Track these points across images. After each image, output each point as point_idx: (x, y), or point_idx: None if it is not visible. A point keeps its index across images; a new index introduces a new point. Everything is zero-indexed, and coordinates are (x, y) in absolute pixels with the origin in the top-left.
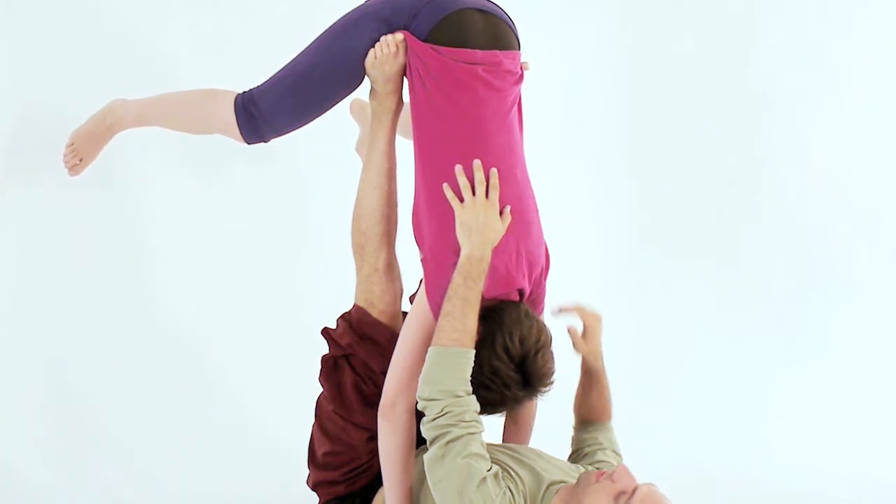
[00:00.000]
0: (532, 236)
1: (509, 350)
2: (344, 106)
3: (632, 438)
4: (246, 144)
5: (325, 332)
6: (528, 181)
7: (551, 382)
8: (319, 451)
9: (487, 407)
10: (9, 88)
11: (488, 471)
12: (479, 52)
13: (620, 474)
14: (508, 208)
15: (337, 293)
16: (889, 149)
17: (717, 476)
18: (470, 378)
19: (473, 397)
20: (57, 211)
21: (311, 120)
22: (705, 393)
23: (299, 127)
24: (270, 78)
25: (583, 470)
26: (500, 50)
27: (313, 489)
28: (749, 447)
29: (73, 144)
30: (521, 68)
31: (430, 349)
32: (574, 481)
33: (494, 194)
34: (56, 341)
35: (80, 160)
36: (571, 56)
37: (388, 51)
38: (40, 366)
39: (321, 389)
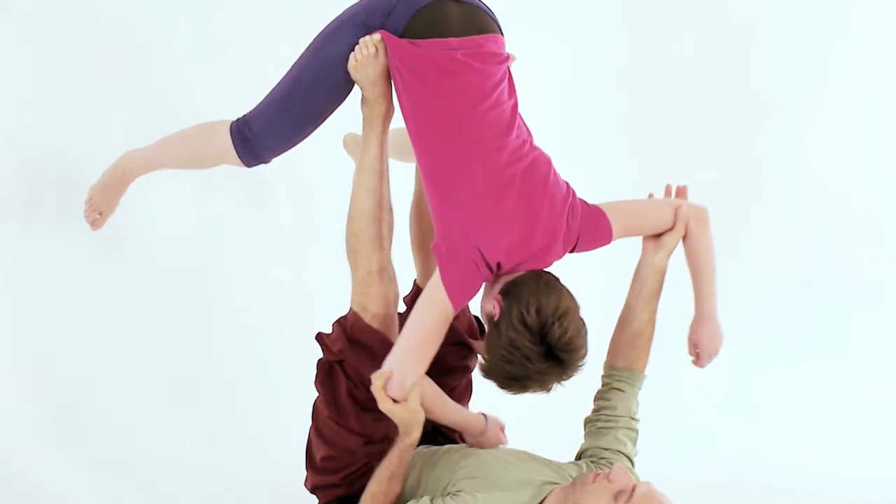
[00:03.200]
0: (546, 193)
1: (525, 321)
2: (347, 108)
3: None
4: (247, 168)
5: (319, 337)
6: (529, 143)
7: (579, 350)
8: (318, 455)
9: (513, 382)
10: (9, 91)
11: None
12: (455, 39)
13: (617, 474)
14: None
15: (341, 294)
16: (889, 149)
17: (718, 476)
18: (492, 352)
19: None
20: (55, 212)
21: (308, 134)
22: (705, 393)
23: (297, 143)
24: (262, 100)
25: (578, 470)
26: (478, 34)
27: (312, 492)
28: (749, 447)
29: (90, 199)
30: (507, 54)
31: None
32: (566, 482)
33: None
34: (58, 348)
35: (100, 214)
36: (571, 56)
37: (367, 52)
38: (44, 381)
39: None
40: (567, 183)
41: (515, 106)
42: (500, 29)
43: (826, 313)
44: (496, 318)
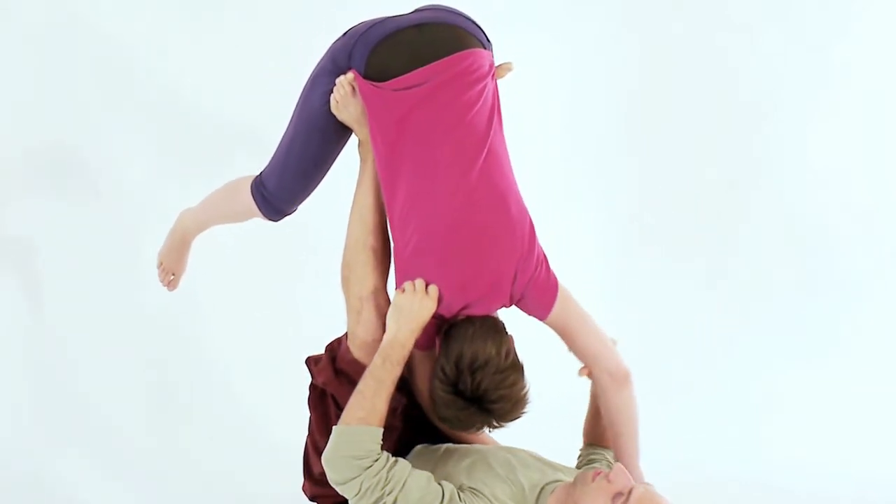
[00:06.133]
0: (496, 242)
1: (444, 369)
2: None
3: None
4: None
5: (308, 362)
6: (497, 170)
7: (499, 402)
8: (315, 470)
9: (443, 421)
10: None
11: (442, 496)
12: (415, 72)
13: (617, 474)
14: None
15: (337, 297)
16: (889, 149)
17: (717, 476)
18: (430, 393)
19: (384, 454)
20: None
21: (319, 181)
22: (705, 392)
23: (312, 191)
24: (272, 157)
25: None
26: (444, 57)
27: (312, 499)
28: (749, 447)
29: (161, 264)
30: (490, 65)
31: (334, 429)
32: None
33: (434, 290)
34: (57, 349)
35: (173, 275)
36: (570, 55)
37: (343, 91)
38: (44, 382)
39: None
40: (530, 220)
41: (490, 125)
42: (482, 39)
43: (826, 313)
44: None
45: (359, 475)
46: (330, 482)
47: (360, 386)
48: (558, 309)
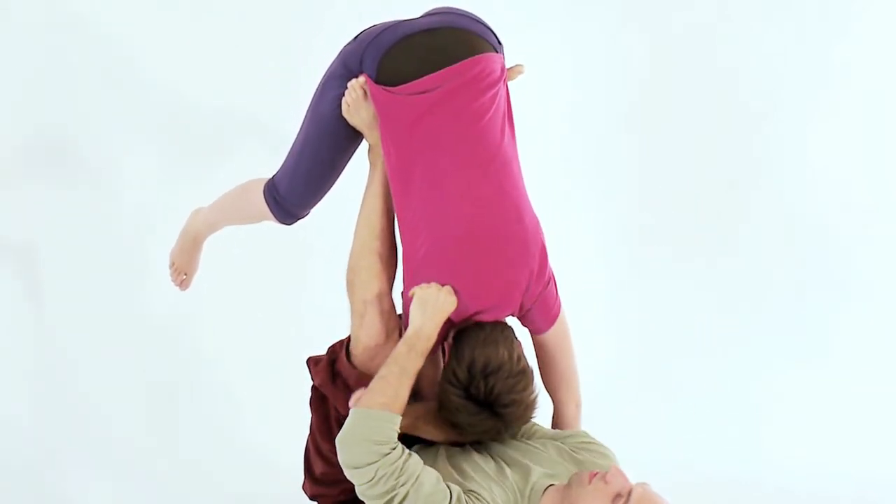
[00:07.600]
0: (504, 252)
1: (456, 374)
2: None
3: (632, 437)
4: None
5: (309, 363)
6: (508, 182)
7: (511, 406)
8: (316, 470)
9: (457, 428)
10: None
11: (450, 496)
12: (428, 77)
13: (614, 475)
14: None
15: (340, 300)
16: (889, 149)
17: (717, 476)
18: (439, 398)
19: (400, 445)
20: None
21: (331, 185)
22: (705, 392)
23: (324, 194)
24: (284, 160)
25: (574, 470)
26: (455, 63)
27: (312, 499)
28: (749, 447)
29: (173, 264)
30: (501, 68)
31: (353, 410)
32: (562, 479)
33: (450, 288)
34: (55, 348)
35: (185, 274)
36: (573, 56)
37: (355, 95)
38: (47, 377)
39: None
40: (542, 236)
41: (503, 133)
42: (493, 42)
43: (826, 313)
44: (444, 365)
45: (376, 461)
46: (342, 465)
47: (384, 371)
48: (557, 328)
